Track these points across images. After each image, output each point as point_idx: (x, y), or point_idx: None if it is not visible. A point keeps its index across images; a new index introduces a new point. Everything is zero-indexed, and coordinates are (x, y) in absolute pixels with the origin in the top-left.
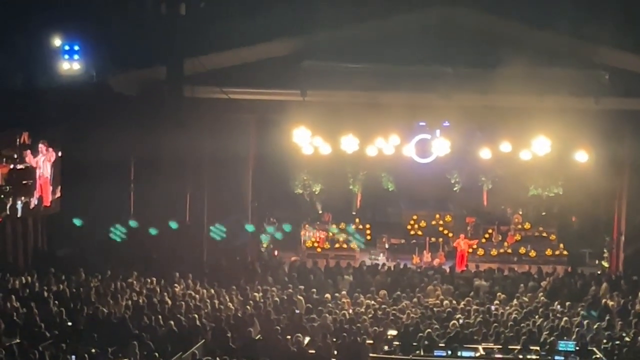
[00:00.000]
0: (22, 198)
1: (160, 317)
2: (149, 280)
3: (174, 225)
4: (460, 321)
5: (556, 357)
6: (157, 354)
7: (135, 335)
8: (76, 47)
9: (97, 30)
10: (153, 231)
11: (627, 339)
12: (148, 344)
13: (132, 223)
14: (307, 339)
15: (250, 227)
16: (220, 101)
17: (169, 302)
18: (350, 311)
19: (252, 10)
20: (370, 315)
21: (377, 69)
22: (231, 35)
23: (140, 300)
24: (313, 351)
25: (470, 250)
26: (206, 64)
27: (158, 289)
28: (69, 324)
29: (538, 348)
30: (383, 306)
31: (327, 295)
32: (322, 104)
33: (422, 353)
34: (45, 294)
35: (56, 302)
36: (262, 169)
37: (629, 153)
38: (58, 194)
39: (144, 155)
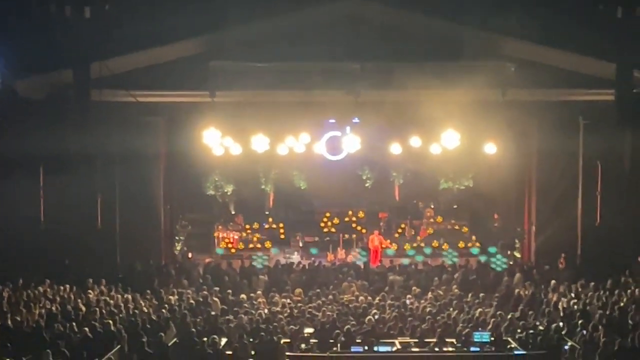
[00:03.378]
0: None
1: (74, 324)
2: (62, 287)
3: None
4: (376, 316)
5: (472, 349)
6: None
7: (50, 343)
8: None
9: (0, 35)
10: None
11: (540, 328)
12: (63, 351)
13: None
14: (223, 340)
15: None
16: (129, 104)
17: (83, 308)
18: (266, 311)
19: (158, 12)
20: (286, 314)
21: (285, 67)
22: (137, 38)
23: (54, 308)
24: (230, 352)
25: (384, 245)
26: (113, 67)
27: (72, 296)
28: None
29: (454, 340)
30: (299, 304)
31: (243, 296)
32: (231, 104)
33: (339, 349)
34: None
35: None
36: (173, 171)
37: (537, 144)
38: None
39: (53, 159)
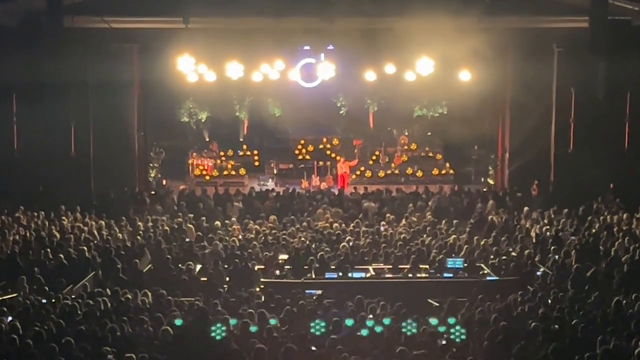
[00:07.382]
0: None
1: (49, 250)
2: (36, 214)
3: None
4: (350, 243)
5: (445, 274)
6: (47, 288)
7: (25, 269)
8: None
9: None
10: None
11: (513, 254)
12: (38, 278)
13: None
14: (198, 267)
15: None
16: (102, 30)
17: (58, 235)
18: (241, 237)
19: None
20: (260, 241)
21: None
22: None
23: (28, 235)
24: (205, 278)
25: (352, 174)
26: None
27: (46, 223)
28: None
29: (427, 266)
30: (273, 231)
31: (217, 223)
32: (205, 31)
33: (313, 276)
34: None
35: None
36: (147, 98)
37: (511, 71)
38: None
39: (26, 87)
